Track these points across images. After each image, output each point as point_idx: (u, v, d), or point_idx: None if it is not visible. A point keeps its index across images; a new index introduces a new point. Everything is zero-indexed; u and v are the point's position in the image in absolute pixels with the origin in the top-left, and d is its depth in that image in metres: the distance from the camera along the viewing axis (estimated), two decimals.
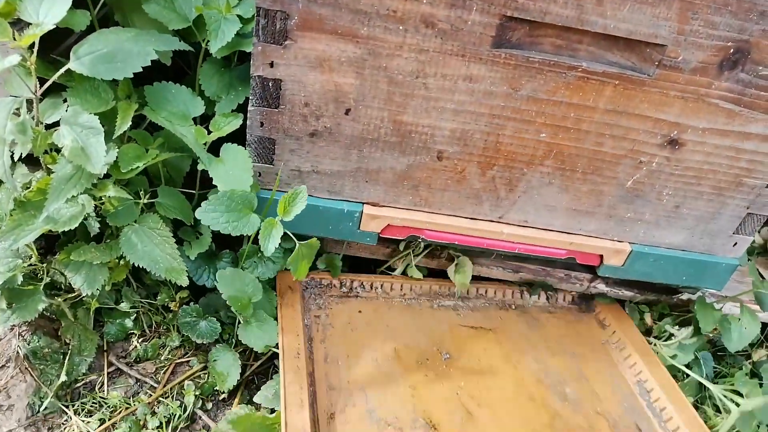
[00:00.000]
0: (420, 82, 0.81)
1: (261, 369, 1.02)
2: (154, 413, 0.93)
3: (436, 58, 0.79)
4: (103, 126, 0.76)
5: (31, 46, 0.71)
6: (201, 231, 0.94)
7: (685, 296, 1.17)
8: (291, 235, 0.85)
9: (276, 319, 0.92)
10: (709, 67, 0.82)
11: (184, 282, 0.83)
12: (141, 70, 0.76)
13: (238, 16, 0.85)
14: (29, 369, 0.91)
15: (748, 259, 1.40)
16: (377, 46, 0.78)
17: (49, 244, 0.98)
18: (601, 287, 1.15)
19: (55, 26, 0.71)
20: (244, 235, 0.84)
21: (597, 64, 0.81)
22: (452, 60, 0.80)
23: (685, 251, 1.01)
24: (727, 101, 0.85)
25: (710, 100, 0.84)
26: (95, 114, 0.76)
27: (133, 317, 0.99)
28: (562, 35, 0.80)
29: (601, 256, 1.00)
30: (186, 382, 0.97)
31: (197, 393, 0.97)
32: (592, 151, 0.89)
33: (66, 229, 0.76)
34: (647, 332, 1.14)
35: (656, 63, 0.81)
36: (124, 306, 0.98)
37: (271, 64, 0.79)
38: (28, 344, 0.92)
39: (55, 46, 0.85)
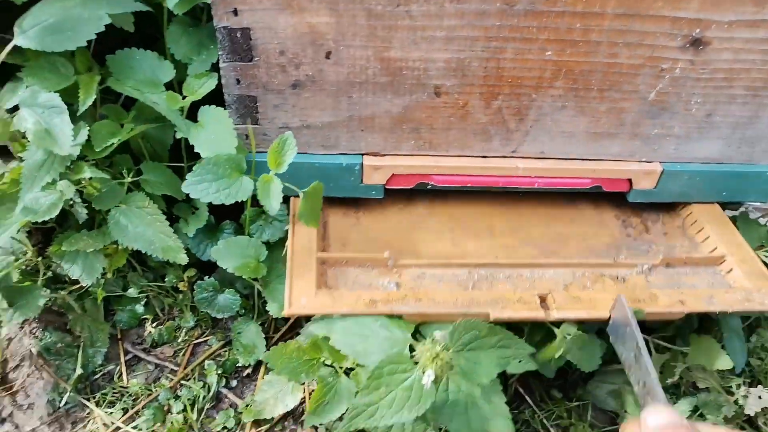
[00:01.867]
0: (402, 11, 0.73)
1: (284, 339, 0.98)
2: (177, 397, 0.91)
3: None
4: (69, 104, 0.71)
5: None
6: (197, 205, 0.89)
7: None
8: (291, 187, 0.78)
9: None
10: None
11: (183, 260, 0.79)
12: (95, 36, 0.70)
13: None
14: (45, 366, 0.89)
15: None
16: None
17: (47, 237, 0.94)
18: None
19: None
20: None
21: None
22: None
23: (722, 164, 0.91)
24: None
25: None
26: (56, 92, 0.70)
27: (143, 302, 0.96)
28: None
29: (630, 181, 0.91)
30: (207, 361, 0.94)
31: (219, 372, 0.94)
32: (606, 64, 0.79)
33: (47, 218, 0.72)
34: None
35: None
36: (132, 292, 0.94)
37: (235, 12, 0.71)
38: (40, 341, 0.89)
39: (7, 26, 0.79)
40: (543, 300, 0.80)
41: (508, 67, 0.79)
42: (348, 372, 0.80)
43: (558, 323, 0.80)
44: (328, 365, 0.80)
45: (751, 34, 0.78)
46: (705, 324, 1.03)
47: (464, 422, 0.72)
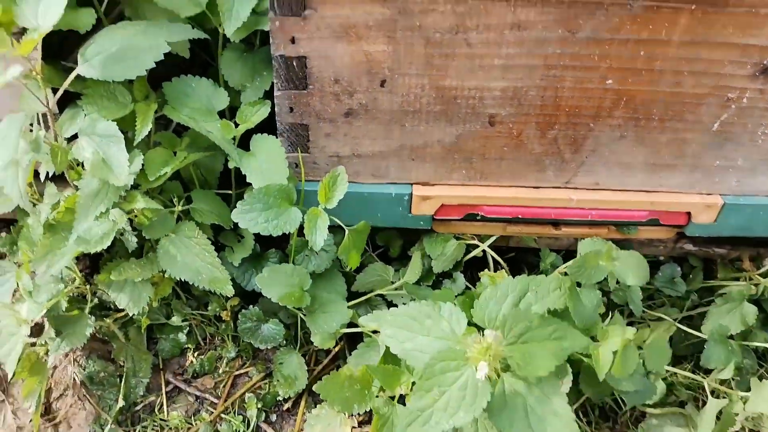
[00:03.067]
0: (461, 39, 0.71)
1: (325, 372, 0.95)
2: (216, 431, 0.89)
3: (477, 7, 0.69)
4: (125, 132, 0.70)
5: (38, 54, 0.66)
6: (242, 233, 0.88)
7: None
8: (339, 222, 0.77)
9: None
10: None
11: (230, 292, 0.77)
12: (154, 65, 0.69)
13: None
14: (87, 396, 0.88)
15: None
16: (408, 3, 0.68)
17: (94, 264, 0.94)
18: (689, 247, 1.02)
19: (57, 29, 0.65)
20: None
21: None
22: (495, 7, 0.69)
23: None
24: None
25: None
26: (114, 120, 0.70)
27: (186, 331, 0.95)
28: None
29: (689, 214, 0.87)
30: (247, 394, 0.92)
31: (259, 405, 0.91)
32: (669, 94, 0.77)
33: (99, 248, 0.71)
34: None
35: None
36: (175, 320, 0.93)
37: (293, 40, 0.71)
38: (84, 370, 0.88)
39: (69, 52, 0.80)
40: None
41: (566, 96, 0.77)
42: (402, 400, 0.77)
43: None
44: (381, 394, 0.77)
45: None
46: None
47: (524, 425, 0.68)
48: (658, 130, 0.80)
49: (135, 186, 0.74)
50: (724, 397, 0.88)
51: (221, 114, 0.80)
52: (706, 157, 0.83)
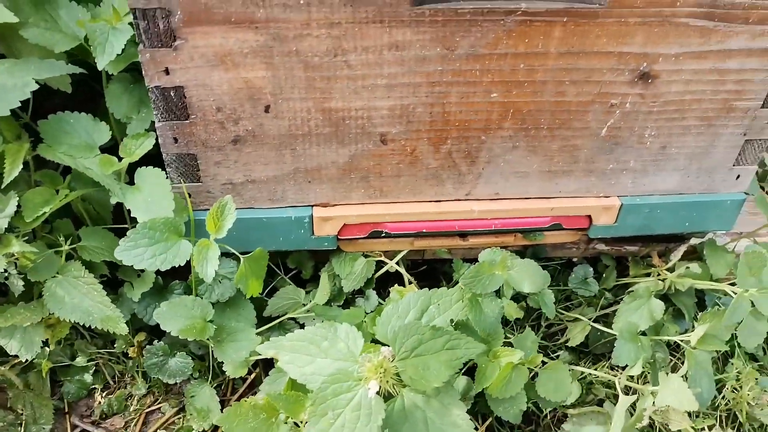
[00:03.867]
0: (340, 61, 0.71)
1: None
2: None
3: (352, 30, 0.69)
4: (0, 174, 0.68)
5: None
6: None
7: (696, 240, 1.05)
8: (234, 251, 0.76)
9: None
10: None
11: (123, 330, 0.75)
12: (19, 104, 0.67)
13: (131, 23, 0.75)
14: None
15: (761, 187, 1.28)
16: (281, 29, 0.68)
17: None
18: (601, 247, 1.04)
19: None
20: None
21: (538, 2, 0.70)
22: (370, 29, 0.69)
23: (682, 194, 0.90)
24: (698, 18, 0.73)
25: (678, 20, 0.73)
26: None
27: (92, 371, 0.91)
28: None
29: (590, 217, 0.89)
30: (159, 431, 0.89)
31: None
32: (554, 103, 0.78)
33: None
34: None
35: None
36: (80, 361, 0.90)
37: (167, 71, 0.69)
38: None
39: None
40: None
41: (453, 111, 0.77)
42: None
43: None
44: (289, 422, 0.76)
45: (699, 65, 0.77)
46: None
47: None
48: (549, 138, 0.81)
49: (12, 228, 0.71)
50: (635, 393, 0.90)
51: (109, 149, 0.77)
52: (599, 161, 0.85)
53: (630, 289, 0.98)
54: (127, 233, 0.70)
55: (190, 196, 0.79)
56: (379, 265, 0.93)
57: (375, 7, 0.67)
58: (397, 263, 0.91)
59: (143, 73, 0.69)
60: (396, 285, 0.89)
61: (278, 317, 0.91)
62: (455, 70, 0.73)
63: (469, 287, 0.76)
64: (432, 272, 1.06)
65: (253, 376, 0.94)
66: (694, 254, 1.04)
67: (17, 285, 0.75)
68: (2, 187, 0.68)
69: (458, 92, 0.75)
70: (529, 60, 0.74)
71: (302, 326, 0.91)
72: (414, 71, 0.73)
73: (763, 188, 1.32)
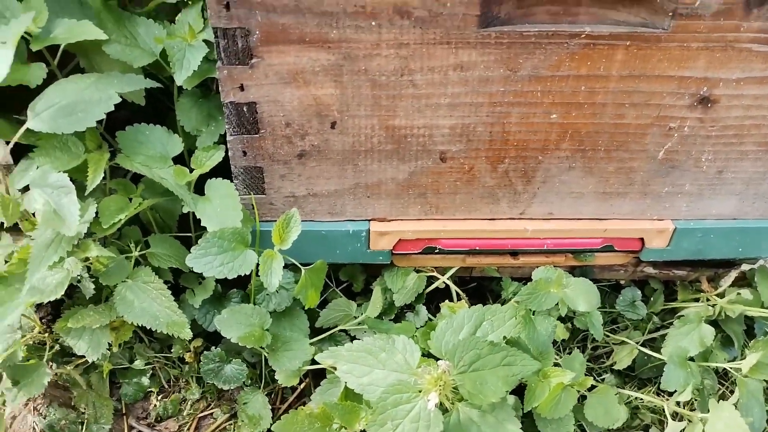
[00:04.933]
0: (406, 80, 0.73)
1: (291, 409, 0.95)
2: None
3: (419, 51, 0.71)
4: (77, 182, 0.71)
5: None
6: (203, 275, 0.88)
7: (746, 266, 1.04)
8: (295, 263, 0.78)
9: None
10: (734, 8, 0.71)
11: (187, 335, 0.77)
12: (104, 116, 0.70)
13: (205, 41, 0.79)
14: None
15: None
16: (352, 49, 0.70)
17: (56, 309, 0.93)
18: (649, 270, 1.04)
19: (5, 85, 0.66)
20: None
21: (602, 26, 0.72)
22: (437, 50, 0.71)
23: (736, 220, 0.90)
24: (761, 43, 0.74)
25: (741, 45, 0.73)
26: (67, 170, 0.71)
27: (149, 374, 0.94)
28: (558, 0, 0.71)
29: (642, 240, 0.89)
30: None
31: None
32: (613, 125, 0.79)
33: (53, 298, 0.71)
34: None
35: (670, 13, 0.71)
36: (138, 364, 0.93)
37: (242, 87, 0.72)
38: (44, 418, 0.87)
39: (22, 105, 0.81)
40: None
41: (513, 131, 0.79)
42: None
43: None
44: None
45: (760, 91, 0.78)
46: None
47: None
48: (606, 160, 0.82)
49: (90, 234, 0.75)
50: (683, 420, 0.89)
51: (178, 159, 0.81)
52: (655, 184, 0.85)
53: (680, 314, 0.98)
54: (198, 242, 0.73)
55: (253, 207, 0.82)
56: (430, 280, 0.95)
57: (443, 29, 0.70)
58: (448, 279, 0.93)
59: (220, 88, 0.72)
60: (447, 301, 0.91)
61: (330, 329, 0.93)
62: (517, 91, 0.75)
63: (524, 304, 0.77)
64: (480, 289, 1.07)
65: (302, 386, 0.96)
66: (744, 280, 1.03)
67: (88, 288, 0.79)
68: (86, 194, 0.71)
69: (518, 113, 0.77)
70: (591, 82, 0.75)
71: (353, 338, 0.93)
72: (477, 91, 0.75)
73: None
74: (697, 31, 0.72)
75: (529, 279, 1.02)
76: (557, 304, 0.80)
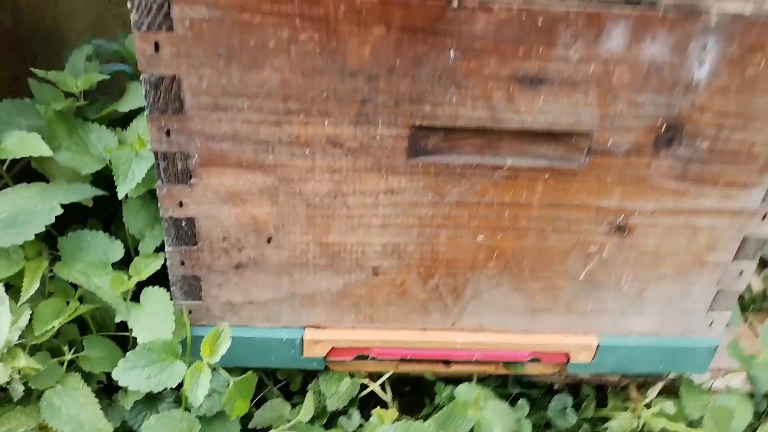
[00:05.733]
0: (339, 202, 0.78)
1: None
2: None
3: (351, 177, 0.76)
4: (16, 287, 0.73)
5: None
6: None
7: (670, 377, 1.08)
8: (224, 373, 0.79)
9: None
10: (643, 148, 0.77)
11: None
12: (44, 229, 0.73)
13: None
14: None
15: (741, 313, 1.31)
16: (287, 173, 0.75)
17: None
18: (583, 374, 1.07)
19: None
20: None
21: (522, 160, 0.77)
22: (369, 176, 0.76)
23: (658, 336, 0.94)
24: (671, 179, 0.80)
25: (653, 180, 0.79)
26: (4, 279, 0.73)
27: None
28: (481, 135, 0.76)
29: (568, 354, 0.93)
30: None
31: None
32: (537, 248, 0.84)
33: None
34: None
35: (585, 151, 0.77)
36: None
37: (180, 204, 0.76)
38: None
39: None
40: None
41: (442, 250, 0.83)
42: None
43: None
44: None
45: (674, 221, 0.83)
46: None
47: None
48: (531, 279, 0.86)
49: (22, 339, 0.76)
50: None
51: (118, 264, 0.83)
52: (579, 302, 0.89)
53: (605, 426, 1.00)
54: (127, 355, 0.74)
55: (190, 313, 0.84)
56: (365, 385, 0.97)
57: (374, 157, 0.75)
58: (381, 386, 0.94)
59: (159, 203, 0.76)
60: (378, 408, 0.92)
61: (264, 430, 0.94)
62: (445, 215, 0.80)
63: (441, 427, 0.79)
64: (416, 390, 1.09)
65: None
66: (672, 389, 1.06)
67: (17, 390, 0.79)
68: (19, 305, 0.73)
69: (447, 234, 0.81)
70: (514, 209, 0.80)
71: None
72: (407, 214, 0.79)
73: (746, 318, 1.36)
74: (612, 167, 0.78)
75: (468, 378, 1.05)
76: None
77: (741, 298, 1.37)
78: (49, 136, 0.82)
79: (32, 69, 0.88)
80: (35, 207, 0.74)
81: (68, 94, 0.90)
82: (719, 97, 0.73)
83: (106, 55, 1.08)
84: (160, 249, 0.86)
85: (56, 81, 0.88)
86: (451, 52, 0.68)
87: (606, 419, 1.04)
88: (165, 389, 0.89)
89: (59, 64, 0.97)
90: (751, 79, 0.72)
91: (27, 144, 0.75)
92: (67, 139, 0.84)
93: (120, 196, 0.78)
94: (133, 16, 0.63)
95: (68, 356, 0.80)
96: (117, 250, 0.82)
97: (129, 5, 0.63)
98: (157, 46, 0.65)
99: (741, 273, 0.89)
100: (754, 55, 0.70)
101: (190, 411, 0.85)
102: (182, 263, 0.80)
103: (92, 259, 0.80)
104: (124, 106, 0.89)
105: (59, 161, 0.81)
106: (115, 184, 0.80)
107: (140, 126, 0.87)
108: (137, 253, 0.87)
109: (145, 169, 0.81)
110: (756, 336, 1.22)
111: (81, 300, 0.83)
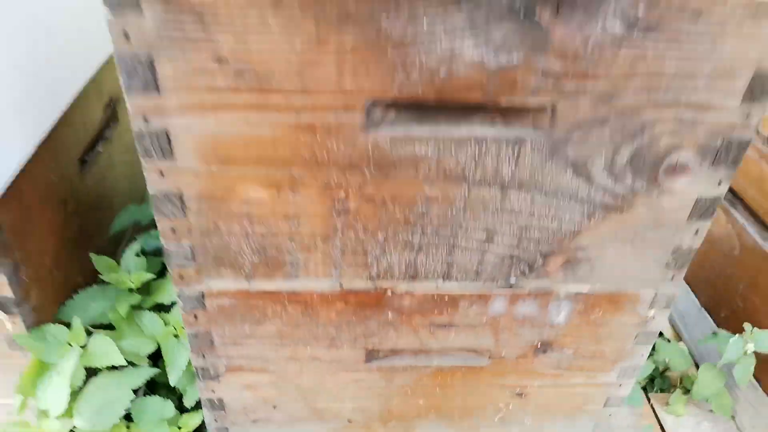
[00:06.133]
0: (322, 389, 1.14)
1: None
2: None
3: (330, 378, 1.12)
4: None
5: None
6: None
7: None
8: None
9: None
10: (528, 354, 1.11)
11: None
12: (124, 413, 1.10)
13: None
14: None
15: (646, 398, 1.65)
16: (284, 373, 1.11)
17: None
18: None
19: None
20: None
21: (445, 359, 1.12)
22: (340, 374, 1.12)
23: None
24: (549, 368, 1.14)
25: (537, 370, 1.14)
26: None
27: None
28: (415, 355, 1.11)
29: None
30: None
31: None
32: (462, 406, 1.20)
33: None
34: None
35: (488, 357, 1.11)
36: None
37: (213, 390, 1.13)
38: None
39: None
40: None
41: (395, 409, 1.19)
42: None
43: None
44: None
45: (556, 390, 1.18)
46: None
47: None
48: (460, 421, 1.23)
49: None
50: None
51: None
52: None
53: None
54: None
55: None
56: None
57: (343, 364, 1.10)
58: None
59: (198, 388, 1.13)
60: None
61: None
62: (393, 392, 1.16)
63: None
64: None
65: None
66: None
67: None
68: None
69: (396, 401, 1.18)
70: (444, 389, 1.16)
71: None
72: (368, 392, 1.15)
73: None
74: (508, 365, 1.13)
75: None
76: None
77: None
78: (117, 328, 1.19)
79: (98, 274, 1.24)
80: (113, 395, 1.11)
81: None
82: (574, 330, 1.07)
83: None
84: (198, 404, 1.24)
85: (116, 282, 1.23)
86: (389, 313, 1.03)
87: None
88: None
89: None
90: (594, 319, 1.06)
91: (107, 354, 1.11)
92: (128, 328, 1.20)
93: (172, 383, 1.15)
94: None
95: None
96: (170, 410, 1.20)
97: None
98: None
99: (609, 415, 1.25)
100: (594, 308, 1.04)
101: None
102: (216, 420, 1.18)
103: (154, 419, 1.18)
104: (168, 299, 1.24)
105: (122, 349, 1.18)
106: (166, 369, 1.16)
107: (178, 312, 1.22)
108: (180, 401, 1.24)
109: (186, 356, 1.17)
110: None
111: None
